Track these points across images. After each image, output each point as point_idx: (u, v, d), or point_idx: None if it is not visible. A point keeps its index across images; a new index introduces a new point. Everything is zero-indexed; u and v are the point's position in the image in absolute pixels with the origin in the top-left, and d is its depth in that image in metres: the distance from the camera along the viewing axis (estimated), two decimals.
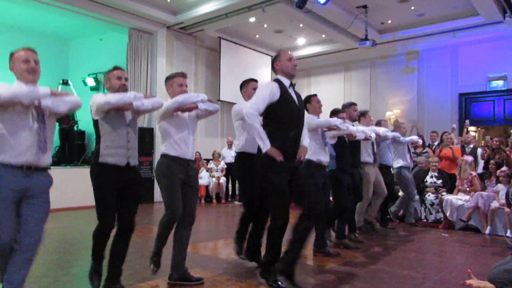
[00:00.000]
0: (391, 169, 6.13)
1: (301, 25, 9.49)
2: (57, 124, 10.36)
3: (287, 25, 9.63)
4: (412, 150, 7.60)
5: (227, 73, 10.22)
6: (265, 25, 9.78)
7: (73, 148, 9.30)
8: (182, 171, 3.18)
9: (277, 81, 3.20)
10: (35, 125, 2.39)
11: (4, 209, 2.30)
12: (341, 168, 4.59)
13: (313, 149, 4.09)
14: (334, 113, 4.73)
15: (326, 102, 5.25)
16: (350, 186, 4.70)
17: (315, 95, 4.40)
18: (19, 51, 2.44)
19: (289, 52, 3.33)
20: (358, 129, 4.90)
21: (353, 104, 5.16)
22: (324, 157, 4.20)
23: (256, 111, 3.05)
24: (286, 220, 3.08)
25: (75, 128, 9.55)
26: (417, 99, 10.36)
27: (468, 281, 1.81)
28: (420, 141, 6.90)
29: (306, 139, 3.35)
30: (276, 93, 3.10)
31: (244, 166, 3.74)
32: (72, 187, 7.55)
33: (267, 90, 3.11)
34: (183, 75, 3.33)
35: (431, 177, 6.86)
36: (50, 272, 3.54)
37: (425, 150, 7.61)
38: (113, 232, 2.91)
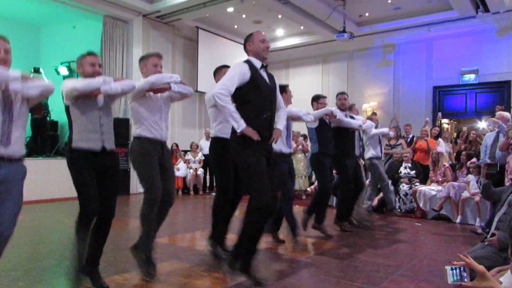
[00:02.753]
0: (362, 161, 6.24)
1: (279, 16, 9.46)
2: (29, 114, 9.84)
3: (266, 15, 9.59)
4: (386, 142, 7.77)
5: (205, 63, 10.11)
6: (244, 16, 9.71)
7: (45, 139, 9.03)
8: (157, 152, 3.15)
9: (247, 62, 3.06)
10: (2, 116, 2.24)
11: None
12: (323, 151, 4.66)
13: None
14: (316, 98, 4.81)
15: (304, 93, 5.30)
16: (332, 169, 4.79)
17: (288, 85, 4.47)
18: None
19: (263, 33, 3.18)
20: (354, 121, 5.03)
21: (340, 93, 5.20)
22: (284, 147, 4.24)
23: (226, 92, 2.89)
24: (268, 202, 2.85)
25: (48, 118, 9.27)
26: (393, 91, 10.54)
27: (456, 262, 1.83)
28: (391, 133, 7.02)
29: (281, 122, 3.17)
30: (246, 74, 2.96)
31: (218, 151, 3.69)
32: (44, 179, 7.34)
33: (236, 71, 2.97)
34: (158, 56, 3.27)
35: (405, 168, 7.01)
36: (20, 265, 3.44)
37: (398, 142, 7.77)
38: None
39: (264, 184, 2.88)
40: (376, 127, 6.14)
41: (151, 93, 3.15)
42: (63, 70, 9.92)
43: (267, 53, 3.13)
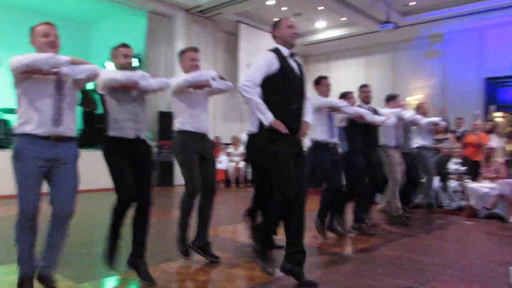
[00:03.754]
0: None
1: (320, 7, 9.29)
2: (80, 107, 10.17)
3: (306, 7, 9.44)
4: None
5: (246, 57, 10.13)
6: (284, 8, 9.62)
7: (95, 131, 9.46)
8: (197, 145, 3.24)
9: (275, 50, 2.96)
10: (54, 97, 2.41)
11: (31, 180, 2.33)
12: (353, 150, 4.58)
13: (319, 129, 4.17)
14: (343, 96, 4.73)
15: (346, 87, 5.17)
16: (365, 167, 4.64)
17: (326, 77, 4.36)
18: (40, 25, 2.51)
19: (291, 19, 3.06)
20: (377, 118, 4.83)
21: (363, 86, 5.07)
22: (330, 137, 4.21)
23: (251, 83, 2.81)
24: (291, 195, 2.78)
25: (96, 111, 9.69)
26: (440, 83, 10.08)
27: None
28: (443, 123, 6.71)
29: (309, 115, 3.09)
30: (273, 63, 2.87)
31: (253, 149, 3.66)
32: (94, 169, 7.64)
33: (263, 60, 2.89)
34: (194, 50, 3.37)
35: (455, 163, 6.71)
36: (75, 250, 3.61)
37: (446, 136, 7.44)
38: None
39: (289, 177, 2.80)
40: (425, 117, 5.93)
41: (191, 89, 3.24)
42: (110, 66, 10.30)
43: (295, 40, 3.03)
